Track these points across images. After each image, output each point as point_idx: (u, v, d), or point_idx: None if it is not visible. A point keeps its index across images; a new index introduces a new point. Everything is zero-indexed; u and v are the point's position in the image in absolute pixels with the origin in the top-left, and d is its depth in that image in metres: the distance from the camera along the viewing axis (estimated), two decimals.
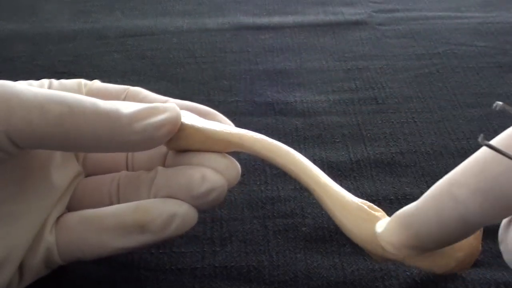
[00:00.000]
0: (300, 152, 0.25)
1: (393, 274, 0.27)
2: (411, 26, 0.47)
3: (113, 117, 0.21)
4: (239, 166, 0.25)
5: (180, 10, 0.51)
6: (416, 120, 0.37)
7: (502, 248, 0.20)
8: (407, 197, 0.31)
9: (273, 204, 0.31)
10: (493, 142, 0.19)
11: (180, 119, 0.23)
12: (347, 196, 0.24)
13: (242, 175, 0.25)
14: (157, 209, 0.23)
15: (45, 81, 0.26)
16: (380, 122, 0.37)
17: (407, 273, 0.27)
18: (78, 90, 0.27)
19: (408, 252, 0.22)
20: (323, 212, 0.30)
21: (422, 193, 0.21)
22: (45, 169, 0.24)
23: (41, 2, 0.53)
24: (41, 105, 0.21)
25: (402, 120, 0.37)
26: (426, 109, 0.38)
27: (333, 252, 0.28)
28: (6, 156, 0.21)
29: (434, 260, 0.23)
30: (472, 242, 0.23)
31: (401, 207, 0.30)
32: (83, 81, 0.27)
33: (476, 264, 0.27)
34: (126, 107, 0.22)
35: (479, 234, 0.23)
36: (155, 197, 0.24)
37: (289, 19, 0.49)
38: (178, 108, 0.23)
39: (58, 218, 0.24)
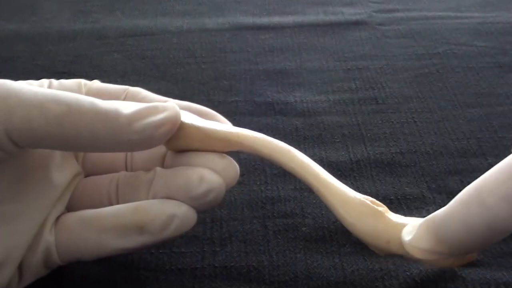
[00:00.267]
0: (300, 152, 0.25)
1: (393, 274, 0.26)
2: (411, 26, 0.47)
3: (112, 117, 0.21)
4: (237, 166, 0.25)
5: (180, 10, 0.51)
6: (416, 120, 0.37)
7: None
8: (407, 197, 0.31)
9: (273, 204, 0.31)
10: None
11: (179, 118, 0.23)
12: (349, 192, 0.24)
13: (242, 175, 0.25)
14: (156, 210, 0.23)
15: (45, 81, 0.26)
16: (380, 122, 0.36)
17: (407, 273, 0.26)
18: (78, 90, 0.27)
19: (437, 258, 0.22)
20: (323, 212, 0.30)
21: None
22: (45, 169, 0.24)
23: (41, 2, 0.53)
24: (41, 104, 0.21)
25: (402, 120, 0.37)
26: (426, 109, 0.38)
27: (333, 252, 0.28)
28: (5, 155, 0.21)
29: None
30: None
31: (401, 207, 0.30)
32: (83, 81, 0.27)
33: (476, 264, 0.27)
34: (126, 107, 0.22)
35: None
36: (154, 198, 0.24)
37: (289, 19, 0.49)
38: (177, 107, 0.23)
39: (58, 218, 0.24)
